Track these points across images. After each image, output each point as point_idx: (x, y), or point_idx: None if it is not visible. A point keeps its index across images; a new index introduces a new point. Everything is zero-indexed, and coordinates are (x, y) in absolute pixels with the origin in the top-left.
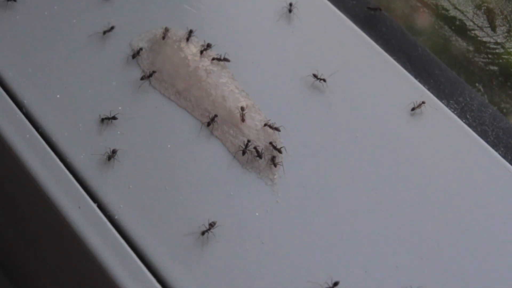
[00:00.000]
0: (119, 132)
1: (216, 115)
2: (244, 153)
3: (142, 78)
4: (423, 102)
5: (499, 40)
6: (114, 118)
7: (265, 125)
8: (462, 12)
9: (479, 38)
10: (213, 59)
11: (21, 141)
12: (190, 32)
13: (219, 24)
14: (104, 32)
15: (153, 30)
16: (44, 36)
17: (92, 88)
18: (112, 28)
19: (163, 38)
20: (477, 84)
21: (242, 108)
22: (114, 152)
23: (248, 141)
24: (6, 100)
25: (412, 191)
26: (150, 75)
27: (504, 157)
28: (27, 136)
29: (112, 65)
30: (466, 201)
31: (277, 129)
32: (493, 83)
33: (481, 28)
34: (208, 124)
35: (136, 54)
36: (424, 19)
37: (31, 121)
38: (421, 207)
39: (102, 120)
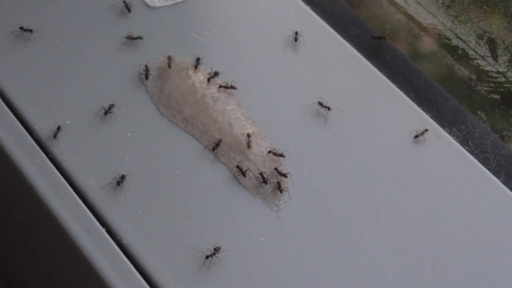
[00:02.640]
0: (127, 158)
1: (220, 140)
2: (244, 175)
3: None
4: (426, 130)
5: (500, 69)
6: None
7: (269, 152)
8: (465, 42)
9: (481, 67)
10: (220, 86)
11: (31, 166)
12: (198, 60)
13: (226, 52)
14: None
15: (162, 58)
16: (55, 63)
17: (103, 115)
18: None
19: (170, 66)
20: (479, 112)
21: (248, 135)
22: (122, 177)
23: (237, 166)
24: (17, 126)
25: (415, 217)
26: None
27: (506, 184)
28: (38, 161)
29: (121, 92)
30: (468, 227)
31: (281, 155)
32: (495, 111)
33: (483, 58)
34: (213, 149)
35: (147, 75)
36: (427, 48)
37: (41, 147)
38: (423, 233)
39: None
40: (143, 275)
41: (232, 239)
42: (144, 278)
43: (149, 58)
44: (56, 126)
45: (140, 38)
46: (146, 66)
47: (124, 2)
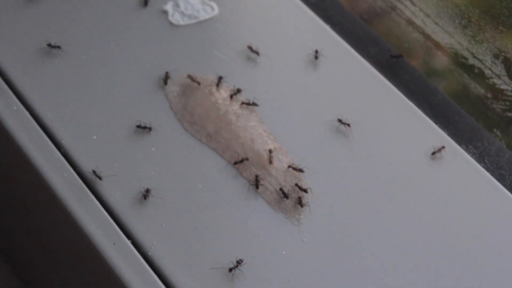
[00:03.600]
0: (152, 172)
1: (247, 158)
2: (257, 186)
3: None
4: (443, 147)
5: None
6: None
7: (289, 167)
8: (481, 61)
9: (496, 86)
10: (242, 103)
11: (59, 180)
12: (220, 78)
13: (248, 69)
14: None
15: (185, 75)
16: (81, 79)
17: (128, 130)
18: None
19: (199, 83)
20: (495, 130)
21: (270, 151)
22: (147, 191)
23: (257, 176)
24: (46, 140)
25: (432, 231)
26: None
27: None
28: (65, 175)
29: (146, 108)
30: (483, 242)
31: (301, 170)
32: (510, 129)
33: (498, 76)
34: (235, 163)
35: (166, 80)
36: (444, 67)
37: (69, 161)
38: (441, 248)
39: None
40: (168, 287)
41: (254, 252)
42: None
43: (173, 75)
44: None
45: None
46: (166, 72)
47: None
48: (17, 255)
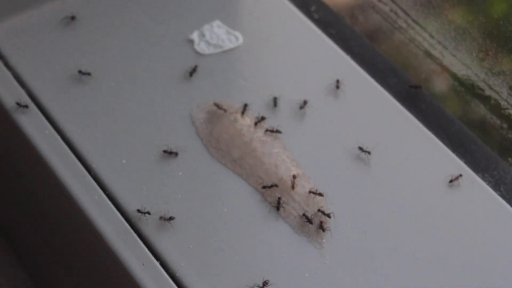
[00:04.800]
0: (179, 196)
1: (276, 185)
2: (278, 208)
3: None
4: (461, 175)
5: None
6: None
7: (309, 192)
8: (497, 93)
9: None
10: (266, 130)
11: (90, 202)
12: (245, 106)
13: (271, 97)
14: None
15: (211, 102)
16: (111, 105)
17: (156, 155)
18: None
19: (225, 111)
20: (509, 159)
21: (294, 176)
22: (171, 218)
23: (279, 198)
24: (76, 164)
25: (450, 257)
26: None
27: None
28: (96, 197)
29: (173, 133)
30: (500, 269)
31: (320, 194)
32: None
33: None
34: (264, 187)
35: (193, 72)
36: (460, 98)
37: (99, 184)
38: (457, 274)
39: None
40: None
41: (279, 274)
42: None
43: (199, 102)
44: None
45: None
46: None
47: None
48: (43, 274)
